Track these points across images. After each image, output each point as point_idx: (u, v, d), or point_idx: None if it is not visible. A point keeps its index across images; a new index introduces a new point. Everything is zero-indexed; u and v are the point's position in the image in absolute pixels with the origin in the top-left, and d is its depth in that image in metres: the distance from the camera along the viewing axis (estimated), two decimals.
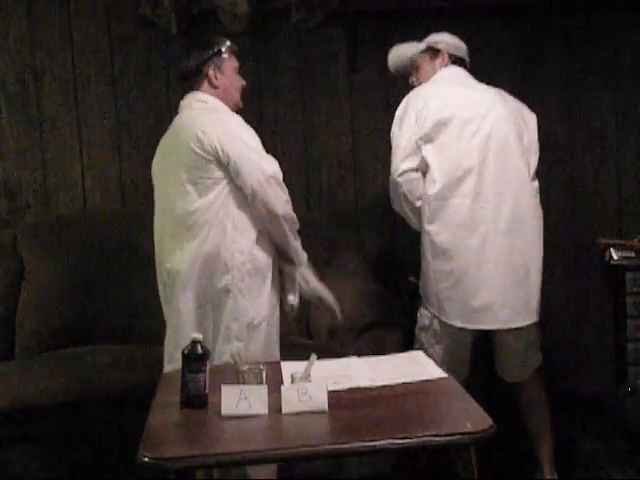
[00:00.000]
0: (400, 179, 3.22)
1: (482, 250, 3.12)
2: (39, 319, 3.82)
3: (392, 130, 3.32)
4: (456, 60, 3.38)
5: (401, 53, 3.45)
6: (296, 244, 3.00)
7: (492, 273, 3.13)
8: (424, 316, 3.28)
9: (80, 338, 3.81)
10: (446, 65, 3.36)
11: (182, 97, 3.09)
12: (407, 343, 3.53)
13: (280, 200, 2.90)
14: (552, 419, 3.34)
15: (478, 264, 3.12)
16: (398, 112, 3.32)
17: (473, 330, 3.22)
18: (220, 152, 2.84)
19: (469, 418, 2.09)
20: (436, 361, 3.00)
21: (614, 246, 4.12)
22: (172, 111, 4.25)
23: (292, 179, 3.10)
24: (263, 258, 2.92)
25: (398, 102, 4.47)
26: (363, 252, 4.37)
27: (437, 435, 2.01)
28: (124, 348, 3.71)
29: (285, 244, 2.97)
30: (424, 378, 2.45)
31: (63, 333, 3.82)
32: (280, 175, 2.91)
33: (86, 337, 3.82)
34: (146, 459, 1.95)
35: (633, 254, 4.05)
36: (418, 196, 3.23)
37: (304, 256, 3.04)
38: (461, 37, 3.42)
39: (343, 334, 3.52)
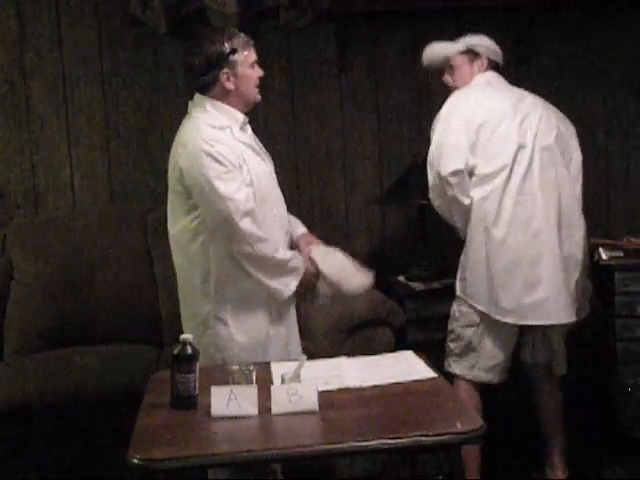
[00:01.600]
0: (451, 178, 3.18)
1: (535, 245, 3.17)
2: (28, 320, 3.81)
3: (435, 131, 3.30)
4: (493, 65, 3.42)
5: (437, 51, 3.44)
6: (269, 283, 2.80)
7: (547, 269, 3.18)
8: (470, 314, 3.26)
9: (69, 339, 3.79)
10: (485, 70, 3.39)
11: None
12: (397, 343, 3.53)
13: (235, 240, 2.75)
14: (564, 419, 3.41)
15: (533, 259, 3.17)
16: (442, 114, 3.30)
17: (520, 326, 3.25)
18: (185, 185, 2.78)
19: (459, 418, 2.09)
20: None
21: (603, 246, 4.12)
22: (162, 111, 4.27)
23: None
24: (248, 285, 2.81)
25: (387, 102, 4.49)
26: (353, 251, 4.36)
27: (427, 435, 2.01)
28: (113, 349, 3.71)
29: (258, 283, 2.81)
30: (414, 378, 2.44)
31: (52, 334, 3.80)
32: (238, 212, 2.71)
33: (75, 338, 3.80)
34: (136, 460, 1.95)
35: (622, 254, 4.06)
36: (467, 194, 3.23)
37: (281, 294, 2.83)
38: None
39: (334, 334, 3.52)
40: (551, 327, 3.27)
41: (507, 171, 3.17)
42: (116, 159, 4.30)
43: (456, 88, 3.40)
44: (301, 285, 2.86)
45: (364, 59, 4.34)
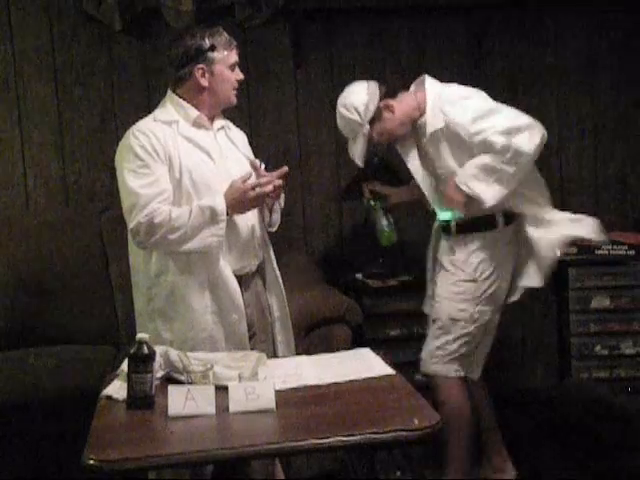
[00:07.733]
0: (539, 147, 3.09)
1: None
2: None
3: (483, 112, 3.23)
4: None
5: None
6: (198, 244, 2.71)
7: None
8: (488, 312, 3.20)
9: (24, 340, 3.75)
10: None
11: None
12: (354, 340, 3.54)
13: (139, 233, 2.68)
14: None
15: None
16: (479, 103, 3.28)
17: None
18: None
19: (416, 414, 2.10)
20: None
21: None
22: (116, 109, 4.23)
23: None
24: (173, 281, 2.76)
25: None
26: (310, 249, 4.38)
27: (384, 432, 2.02)
28: (69, 349, 3.67)
29: (194, 251, 2.74)
30: (372, 375, 2.45)
31: (7, 335, 3.76)
32: (138, 206, 2.66)
33: (30, 339, 3.76)
34: (91, 461, 1.93)
35: (575, 250, 4.11)
36: None
37: (216, 239, 2.72)
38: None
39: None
40: None
41: None
42: (70, 158, 4.25)
43: (392, 125, 3.36)
44: (233, 197, 2.80)
45: (320, 55, 4.34)
